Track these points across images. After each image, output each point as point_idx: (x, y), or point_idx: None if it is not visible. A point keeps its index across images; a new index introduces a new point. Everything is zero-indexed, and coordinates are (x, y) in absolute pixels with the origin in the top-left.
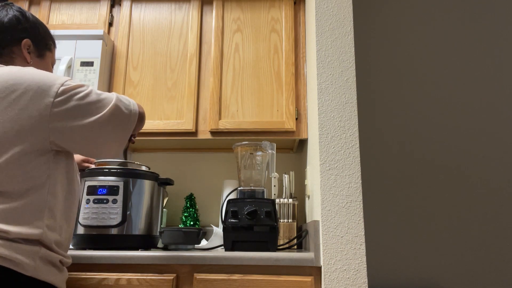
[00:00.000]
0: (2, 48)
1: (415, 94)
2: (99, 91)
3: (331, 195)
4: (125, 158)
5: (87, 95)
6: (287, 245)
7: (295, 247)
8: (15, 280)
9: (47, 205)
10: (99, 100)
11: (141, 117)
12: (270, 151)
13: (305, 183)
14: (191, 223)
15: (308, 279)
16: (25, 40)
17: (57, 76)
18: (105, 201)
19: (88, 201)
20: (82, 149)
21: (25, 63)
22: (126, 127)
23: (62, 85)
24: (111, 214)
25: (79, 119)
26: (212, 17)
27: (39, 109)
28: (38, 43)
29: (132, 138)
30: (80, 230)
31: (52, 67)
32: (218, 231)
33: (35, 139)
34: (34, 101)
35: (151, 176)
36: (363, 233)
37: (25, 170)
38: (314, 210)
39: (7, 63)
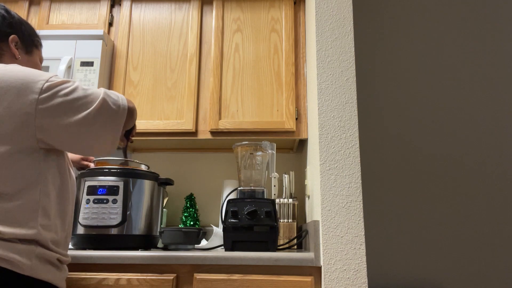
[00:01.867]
0: None
1: (416, 94)
2: (85, 87)
3: (331, 195)
4: (125, 157)
5: (73, 90)
6: (287, 245)
7: (295, 247)
8: (12, 279)
9: (40, 205)
10: (86, 96)
11: (131, 112)
12: (270, 151)
13: (305, 183)
14: (191, 223)
15: (308, 279)
16: (12, 36)
17: (41, 72)
18: (105, 201)
19: (88, 201)
20: (71, 147)
21: (14, 59)
22: (115, 124)
23: (46, 81)
24: (111, 214)
25: (66, 117)
26: (212, 17)
27: (24, 106)
28: (25, 40)
29: (130, 137)
30: (80, 230)
31: (41, 65)
32: (218, 231)
33: (22, 137)
34: (19, 99)
35: (151, 176)
36: (363, 233)
37: (15, 169)
38: (314, 210)
39: None
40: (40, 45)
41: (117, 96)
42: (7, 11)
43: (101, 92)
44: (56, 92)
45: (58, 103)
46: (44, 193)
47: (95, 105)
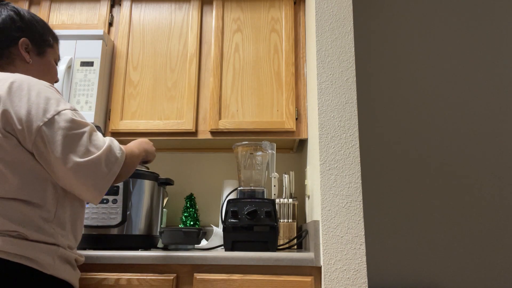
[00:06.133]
0: (1, 50)
1: (415, 94)
2: (95, 136)
3: (331, 195)
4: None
5: (78, 135)
6: (287, 245)
7: (295, 247)
8: (37, 278)
9: (57, 215)
10: (86, 145)
11: (121, 176)
12: (270, 151)
13: (305, 183)
14: (191, 223)
15: (308, 279)
16: (22, 39)
17: (55, 102)
18: (105, 201)
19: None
20: (57, 180)
21: (25, 63)
22: (99, 184)
23: (58, 113)
24: (111, 214)
25: (55, 157)
26: (212, 17)
27: (32, 128)
28: (36, 41)
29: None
30: None
31: (57, 64)
32: (218, 231)
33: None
34: (28, 121)
35: (151, 176)
36: (363, 233)
37: (34, 178)
38: (314, 210)
39: (8, 64)
40: (56, 42)
41: (116, 158)
42: (17, 12)
43: (102, 148)
44: (59, 128)
45: (58, 139)
46: (61, 204)
47: (87, 158)
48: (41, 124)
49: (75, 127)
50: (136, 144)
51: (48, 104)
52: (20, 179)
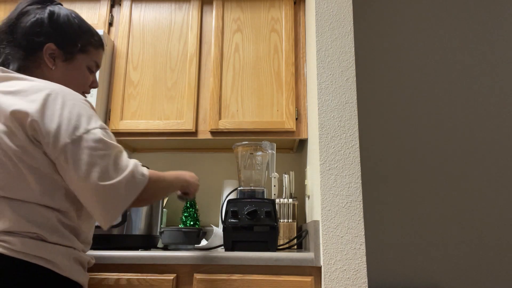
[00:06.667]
0: (28, 54)
1: (415, 94)
2: (120, 159)
3: (331, 195)
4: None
5: (104, 156)
6: (287, 245)
7: (295, 247)
8: (53, 280)
9: (75, 220)
10: (110, 168)
11: (140, 201)
12: (270, 151)
13: (305, 183)
14: (191, 223)
15: (308, 279)
16: (47, 45)
17: (86, 119)
18: None
19: None
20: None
21: (49, 69)
22: (111, 212)
23: (87, 132)
24: None
25: (78, 176)
26: (212, 17)
27: (57, 144)
28: (64, 46)
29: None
30: None
31: (95, 69)
32: (218, 231)
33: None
34: (56, 136)
35: None
36: (363, 233)
37: (57, 186)
38: (314, 210)
39: (36, 68)
40: (94, 47)
41: (135, 185)
42: (50, 16)
43: (124, 173)
44: (85, 148)
45: (83, 158)
46: (79, 210)
47: (106, 183)
48: (69, 141)
49: (101, 147)
50: (174, 173)
51: (80, 121)
52: (41, 185)
